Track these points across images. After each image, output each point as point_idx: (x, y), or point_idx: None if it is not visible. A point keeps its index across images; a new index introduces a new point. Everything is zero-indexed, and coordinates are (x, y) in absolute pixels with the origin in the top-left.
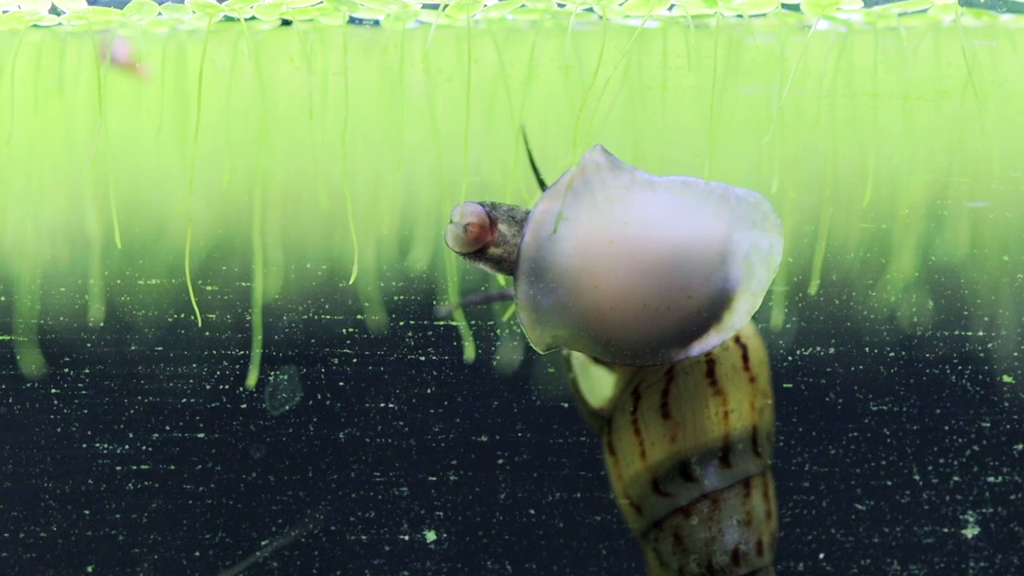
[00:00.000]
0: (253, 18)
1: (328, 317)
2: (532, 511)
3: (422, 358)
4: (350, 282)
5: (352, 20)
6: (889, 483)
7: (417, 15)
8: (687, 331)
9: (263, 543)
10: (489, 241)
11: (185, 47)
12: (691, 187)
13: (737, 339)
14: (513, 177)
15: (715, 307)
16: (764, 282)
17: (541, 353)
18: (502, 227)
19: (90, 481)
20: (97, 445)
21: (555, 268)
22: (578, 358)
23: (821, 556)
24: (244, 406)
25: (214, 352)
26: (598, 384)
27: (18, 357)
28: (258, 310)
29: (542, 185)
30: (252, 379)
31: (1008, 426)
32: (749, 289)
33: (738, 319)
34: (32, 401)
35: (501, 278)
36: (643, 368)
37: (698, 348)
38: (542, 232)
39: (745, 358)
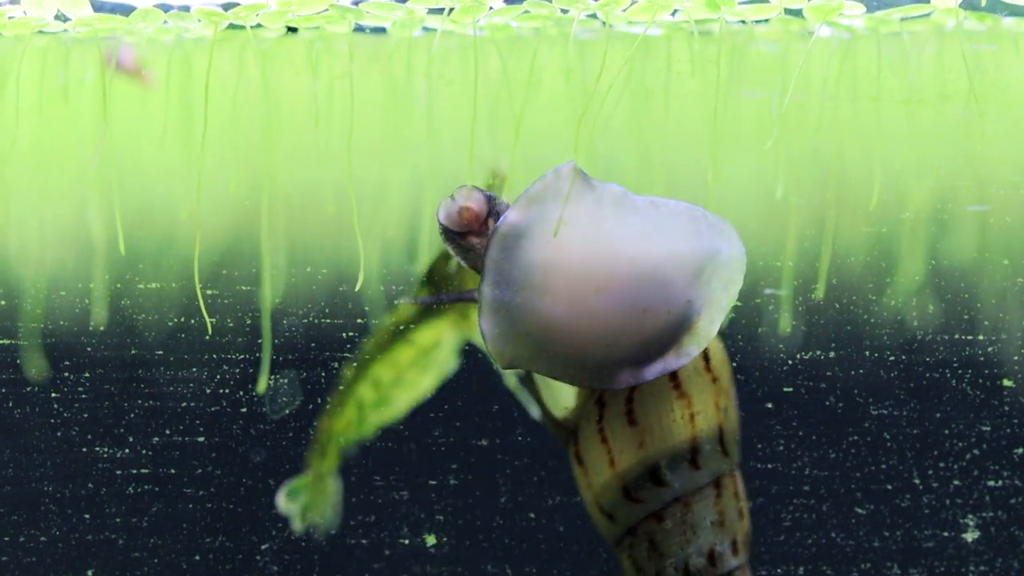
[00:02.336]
0: (259, 26)
1: (329, 321)
2: (532, 515)
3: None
4: (356, 288)
5: (357, 28)
6: (889, 487)
7: (423, 21)
8: (647, 352)
9: None
10: (476, 230)
11: (191, 55)
12: (659, 207)
13: None
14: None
15: (676, 330)
16: (725, 307)
17: (503, 370)
18: (491, 221)
19: (90, 485)
20: (97, 449)
21: (518, 282)
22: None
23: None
24: (244, 410)
25: (215, 356)
26: (560, 394)
27: (20, 361)
28: (267, 315)
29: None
30: (262, 384)
31: (1008, 430)
32: (710, 315)
33: (697, 345)
34: (33, 405)
35: None
36: None
37: (654, 372)
38: (508, 243)
39: (706, 359)
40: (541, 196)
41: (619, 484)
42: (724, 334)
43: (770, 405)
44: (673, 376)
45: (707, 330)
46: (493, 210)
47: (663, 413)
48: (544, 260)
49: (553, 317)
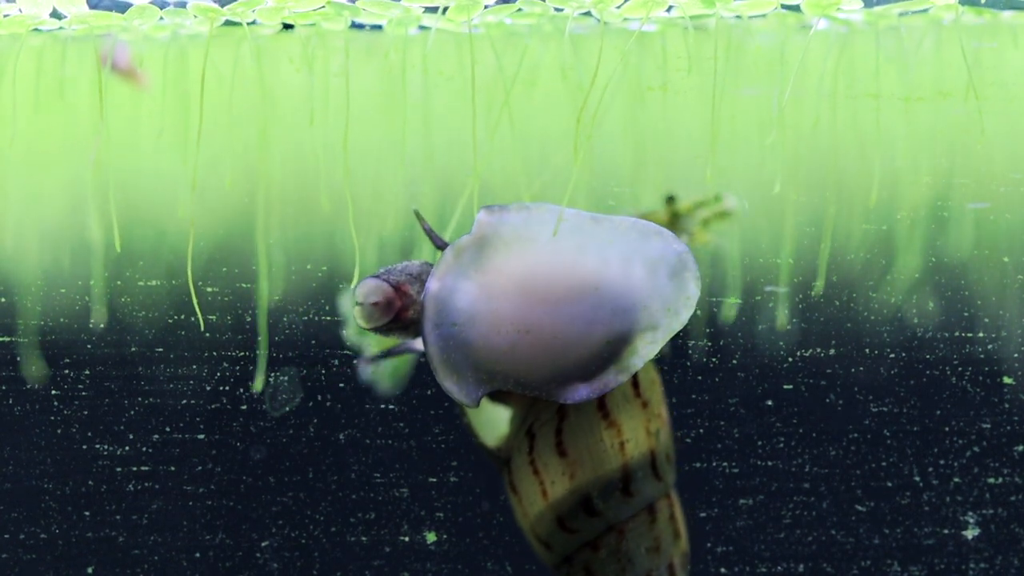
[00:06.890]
0: (254, 22)
1: (328, 319)
2: None
3: (422, 359)
4: (351, 286)
5: (353, 24)
6: (889, 484)
7: (420, 19)
8: (588, 368)
9: None
10: (401, 306)
11: (187, 51)
12: (601, 223)
13: None
14: (513, 180)
15: (615, 346)
16: (669, 328)
17: (475, 408)
18: (409, 289)
19: (90, 482)
20: (97, 446)
21: (458, 320)
22: None
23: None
24: (244, 407)
25: (214, 353)
26: (492, 423)
27: (19, 359)
28: (263, 314)
29: (439, 245)
30: (258, 383)
31: (1008, 427)
32: (652, 334)
33: (640, 359)
34: (33, 402)
35: None
36: (536, 405)
37: (596, 390)
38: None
39: (635, 384)
40: (458, 253)
41: (553, 515)
42: (723, 332)
43: (770, 402)
44: (602, 404)
45: (649, 348)
46: (400, 277)
47: (592, 443)
48: (478, 298)
49: (493, 343)
